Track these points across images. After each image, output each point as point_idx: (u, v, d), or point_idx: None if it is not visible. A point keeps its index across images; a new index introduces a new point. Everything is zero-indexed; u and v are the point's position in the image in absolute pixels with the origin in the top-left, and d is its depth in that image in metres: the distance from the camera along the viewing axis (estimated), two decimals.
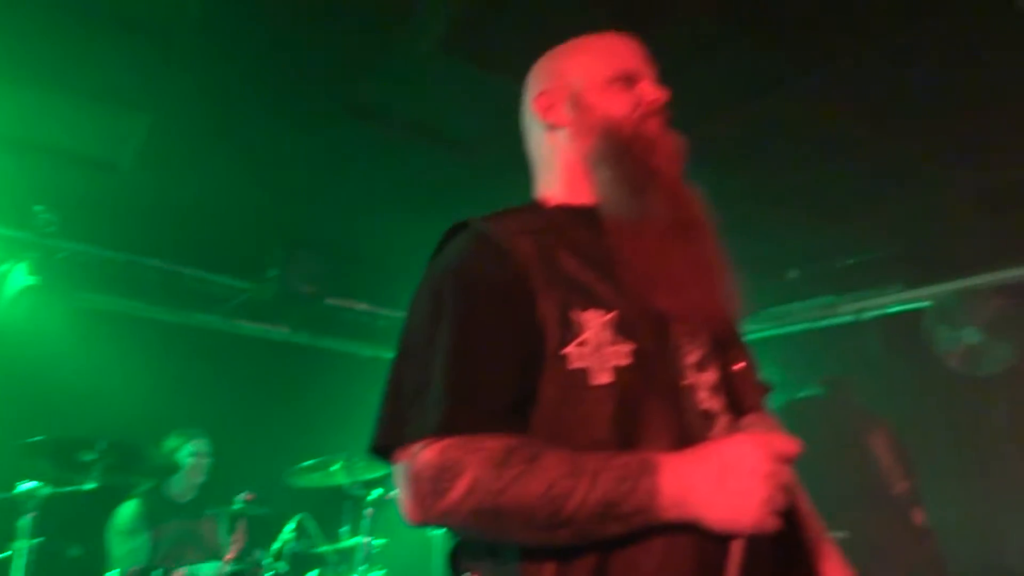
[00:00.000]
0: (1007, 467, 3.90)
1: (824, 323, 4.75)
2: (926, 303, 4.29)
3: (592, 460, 0.86)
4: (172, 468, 3.13)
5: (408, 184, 3.48)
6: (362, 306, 4.74)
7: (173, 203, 3.59)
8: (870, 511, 3.93)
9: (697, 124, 2.82)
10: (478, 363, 0.92)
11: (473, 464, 0.85)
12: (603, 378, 0.92)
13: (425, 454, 0.88)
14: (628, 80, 1.13)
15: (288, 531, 3.18)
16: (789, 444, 0.88)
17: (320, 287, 4.20)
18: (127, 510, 3.17)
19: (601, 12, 2.26)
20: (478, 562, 0.96)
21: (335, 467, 3.39)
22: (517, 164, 3.64)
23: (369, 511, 3.31)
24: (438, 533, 3.71)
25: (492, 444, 0.87)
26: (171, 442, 3.42)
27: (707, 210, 1.10)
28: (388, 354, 4.99)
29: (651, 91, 1.13)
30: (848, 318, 4.67)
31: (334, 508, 3.44)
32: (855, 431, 4.23)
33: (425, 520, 0.89)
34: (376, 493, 3.36)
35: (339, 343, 4.85)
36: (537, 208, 1.16)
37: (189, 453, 3.39)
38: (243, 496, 3.03)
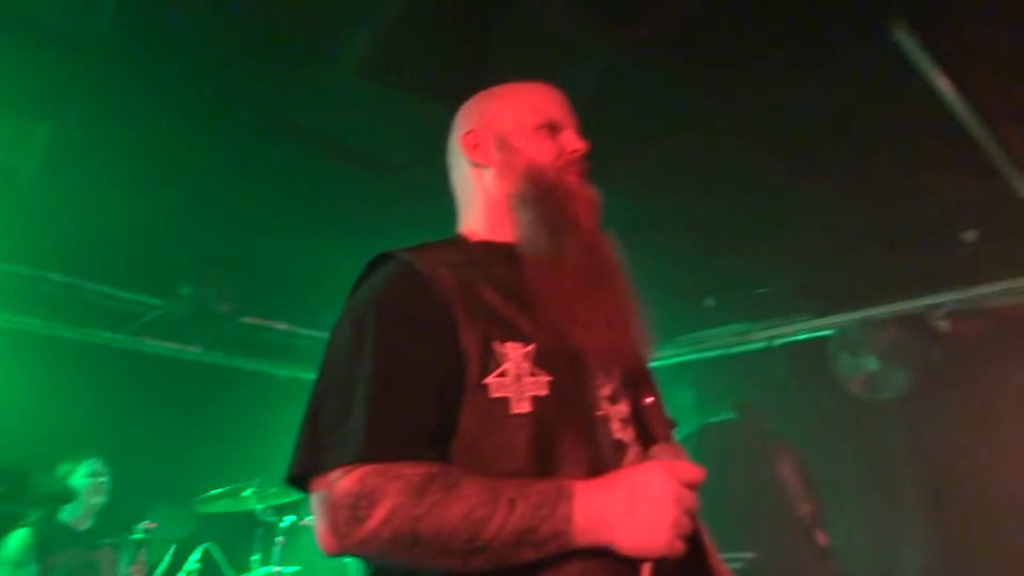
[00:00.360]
0: (905, 489, 4.13)
1: (738, 349, 4.95)
2: (830, 332, 4.53)
3: (510, 487, 0.88)
4: (67, 495, 2.94)
5: (329, 203, 3.43)
6: (281, 325, 4.62)
7: (79, 216, 3.40)
8: (776, 532, 4.09)
9: (620, 156, 2.93)
10: (398, 392, 0.93)
11: (392, 491, 0.86)
12: (522, 407, 0.95)
13: (343, 482, 0.88)
14: (553, 128, 1.20)
15: (192, 561, 3.03)
16: (694, 471, 0.94)
17: (236, 305, 4.07)
18: (16, 539, 2.97)
19: (515, 45, 2.32)
20: None
21: (246, 493, 3.26)
22: (437, 187, 3.65)
23: (281, 539, 3.20)
24: (352, 562, 3.62)
25: (411, 471, 0.87)
26: (63, 467, 3.24)
27: (619, 258, 1.16)
28: (307, 375, 4.89)
29: (573, 142, 1.19)
30: (760, 344, 4.88)
31: (244, 536, 3.30)
32: (764, 454, 4.39)
33: (342, 549, 0.89)
34: (289, 520, 3.25)
35: (255, 363, 4.69)
36: (460, 242, 1.19)
37: (84, 475, 3.22)
38: (145, 524, 2.87)
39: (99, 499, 3.25)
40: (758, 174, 3.18)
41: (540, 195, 1.14)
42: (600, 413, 1.03)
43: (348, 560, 3.52)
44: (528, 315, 1.03)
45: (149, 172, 3.13)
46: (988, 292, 4.07)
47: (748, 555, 3.77)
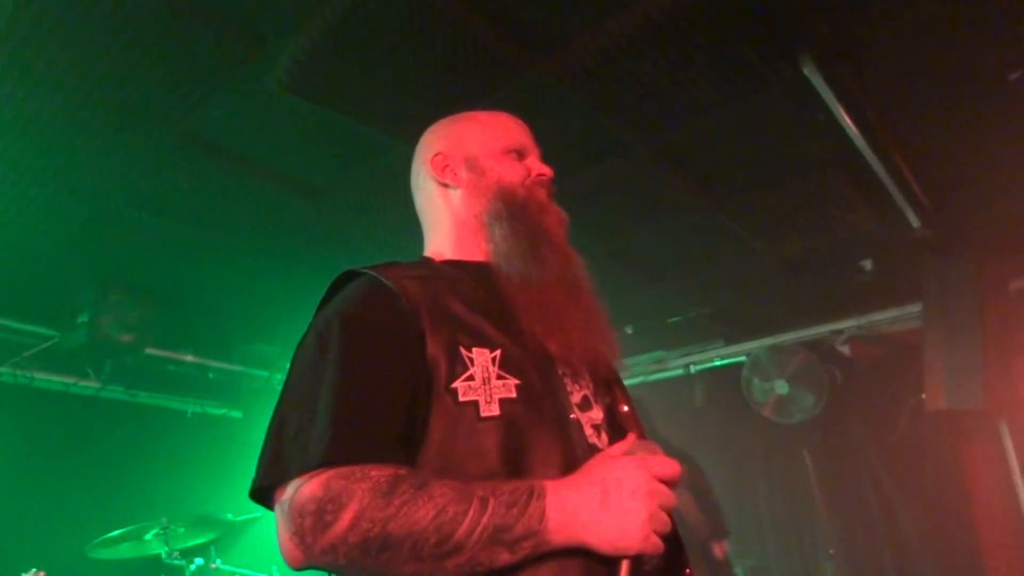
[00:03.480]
0: (816, 509, 4.29)
1: (657, 376, 5.07)
2: (743, 358, 4.72)
3: (481, 487, 0.86)
4: None
5: (245, 227, 3.26)
6: (188, 357, 4.36)
7: None
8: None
9: None
10: (363, 397, 0.91)
11: (359, 493, 0.82)
12: (491, 410, 0.94)
13: (307, 487, 0.84)
14: (519, 153, 1.25)
15: None
16: (669, 466, 0.93)
17: (139, 335, 3.80)
18: None
19: (448, 66, 2.32)
20: None
21: (149, 536, 3.02)
22: (361, 209, 3.60)
23: None
24: None
25: (378, 473, 0.85)
26: None
27: (585, 271, 1.20)
28: (217, 410, 4.63)
29: (539, 166, 1.25)
30: (678, 371, 5.01)
31: None
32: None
33: (308, 559, 0.84)
34: (197, 563, 3.02)
35: (160, 398, 4.39)
36: (425, 262, 1.21)
37: None
38: (32, 573, 2.60)
39: None
40: (677, 203, 3.30)
41: (513, 212, 1.17)
42: (572, 416, 1.02)
43: None
44: (494, 324, 1.03)
45: (43, 187, 2.89)
46: (883, 318, 4.36)
47: None
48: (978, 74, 2.46)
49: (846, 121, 2.56)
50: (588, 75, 2.40)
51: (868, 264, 3.86)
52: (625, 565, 0.86)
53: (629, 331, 4.68)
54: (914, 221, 3.28)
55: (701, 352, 4.99)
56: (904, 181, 3.01)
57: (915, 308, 4.08)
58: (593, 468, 0.92)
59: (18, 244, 3.24)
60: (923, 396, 3.64)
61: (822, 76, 2.35)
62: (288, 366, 1.03)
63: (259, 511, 3.55)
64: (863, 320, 4.42)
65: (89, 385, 4.03)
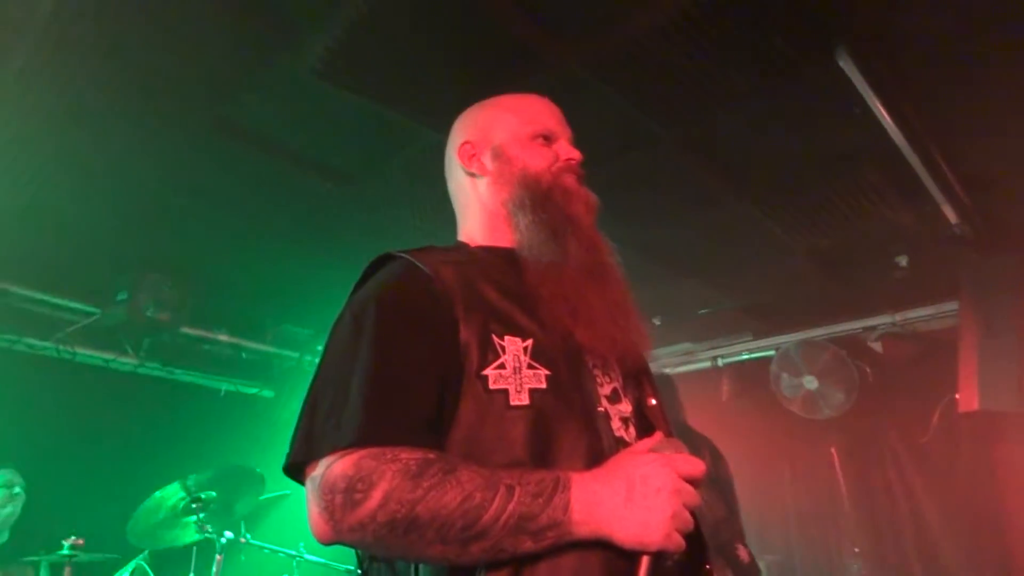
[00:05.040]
0: (842, 506, 4.24)
1: (684, 368, 5.04)
2: (771, 352, 4.66)
3: (507, 475, 0.87)
4: None
5: (278, 211, 3.33)
6: (223, 337, 4.47)
7: (6, 215, 3.22)
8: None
9: None
10: (396, 380, 0.93)
11: (388, 474, 0.84)
12: (520, 399, 0.94)
13: (338, 465, 0.87)
14: (547, 139, 1.23)
15: None
16: (694, 465, 0.93)
17: (176, 314, 3.91)
18: None
19: (479, 55, 2.33)
20: None
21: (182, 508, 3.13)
22: (392, 196, 3.63)
23: (219, 557, 3.07)
24: None
25: (408, 456, 0.86)
26: None
27: (615, 258, 1.19)
28: (249, 389, 4.74)
29: (568, 150, 1.23)
30: (705, 364, 4.98)
31: (179, 553, 3.15)
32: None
33: (337, 535, 0.87)
34: (228, 537, 3.12)
35: (195, 376, 4.51)
36: (460, 247, 1.22)
37: None
38: (72, 540, 2.70)
39: (11, 510, 3.05)
40: (707, 196, 3.27)
41: (537, 199, 1.17)
42: (600, 409, 1.03)
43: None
44: (527, 313, 1.04)
45: (85, 172, 2.98)
46: (918, 316, 4.27)
47: None
48: (1021, 66, 2.39)
49: (882, 113, 2.51)
50: (619, 66, 2.39)
51: (903, 260, 3.78)
52: (645, 561, 0.87)
53: (657, 323, 4.66)
54: (952, 217, 3.20)
55: (729, 346, 4.95)
56: (941, 176, 2.94)
57: (951, 306, 3.99)
58: (619, 463, 0.93)
59: (62, 225, 3.36)
60: (956, 396, 3.57)
61: (857, 67, 2.31)
62: (323, 346, 1.04)
63: (287, 489, 3.66)
64: (897, 317, 4.33)
65: (128, 361, 4.16)
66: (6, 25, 2.20)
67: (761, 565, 4.25)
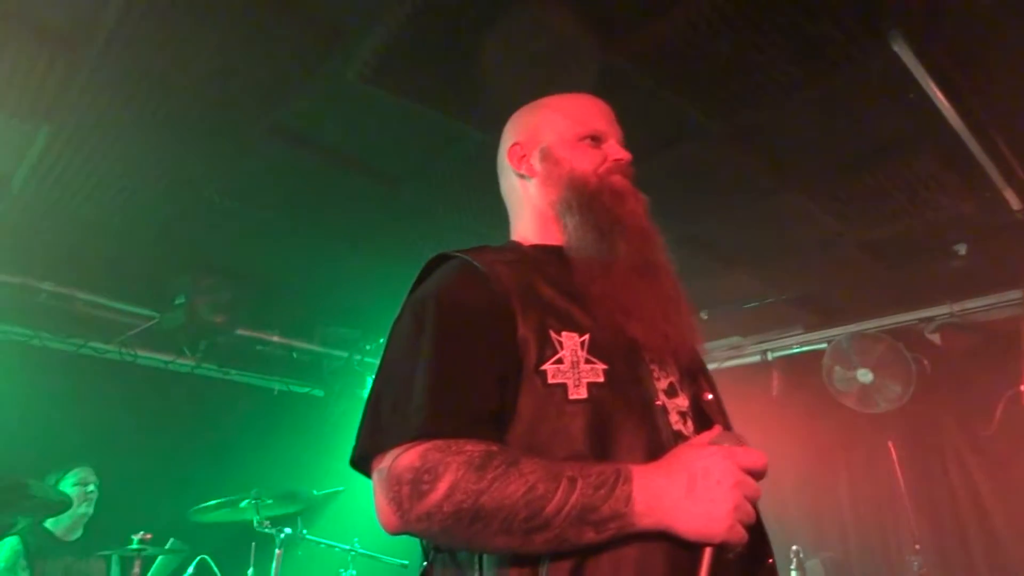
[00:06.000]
0: (901, 501, 4.12)
1: (733, 363, 4.97)
2: (823, 345, 4.57)
3: (569, 467, 0.88)
4: (64, 502, 2.88)
5: (328, 212, 3.40)
6: (275, 338, 4.58)
7: (69, 223, 3.36)
8: None
9: None
10: (458, 374, 0.95)
11: (454, 466, 0.87)
12: (579, 393, 0.96)
13: (405, 457, 0.89)
14: (595, 139, 1.24)
15: (188, 573, 2.98)
16: (756, 457, 0.93)
17: (230, 317, 4.03)
18: (5, 548, 2.91)
19: (522, 52, 2.34)
20: None
21: (243, 505, 3.22)
22: (441, 199, 3.65)
23: (278, 552, 3.15)
24: (352, 574, 3.56)
25: (472, 448, 0.88)
26: (52, 476, 3.19)
27: (668, 255, 1.19)
28: (301, 389, 4.85)
29: (616, 151, 1.24)
30: (755, 358, 4.90)
31: (239, 548, 3.25)
32: None
33: (404, 525, 0.89)
34: (287, 532, 3.20)
35: (249, 376, 4.64)
36: (514, 246, 1.24)
37: (72, 483, 3.17)
38: (140, 535, 2.81)
39: (86, 509, 3.19)
40: (756, 187, 3.22)
41: (584, 201, 1.18)
42: (658, 403, 1.03)
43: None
44: (581, 309, 1.05)
45: (144, 180, 3.09)
46: (978, 306, 4.13)
47: None
48: None
49: (938, 97, 2.44)
50: (663, 56, 2.37)
51: (962, 248, 3.66)
52: (708, 552, 0.87)
53: (704, 316, 4.61)
54: (1014, 202, 3.10)
55: (779, 339, 4.86)
56: (1003, 160, 2.84)
57: (1014, 295, 3.85)
58: (679, 456, 0.93)
59: (123, 232, 3.48)
60: (1021, 388, 3.44)
61: (912, 51, 2.25)
62: (384, 344, 1.07)
63: (341, 485, 3.73)
64: (956, 307, 4.20)
65: (186, 363, 4.30)
66: (67, 39, 2.30)
67: (816, 562, 4.18)
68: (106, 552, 2.98)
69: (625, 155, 1.24)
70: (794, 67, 2.40)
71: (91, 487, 3.22)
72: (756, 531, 0.95)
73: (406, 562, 3.37)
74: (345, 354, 4.84)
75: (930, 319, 4.29)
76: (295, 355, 4.69)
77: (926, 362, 4.26)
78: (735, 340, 5.01)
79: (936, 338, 4.38)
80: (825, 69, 2.40)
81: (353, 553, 3.45)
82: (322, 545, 3.38)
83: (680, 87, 2.53)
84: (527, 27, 2.26)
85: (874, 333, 4.35)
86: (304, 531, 3.31)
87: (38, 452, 3.23)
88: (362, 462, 0.97)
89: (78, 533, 3.18)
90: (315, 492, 3.63)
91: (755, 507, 0.92)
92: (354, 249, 3.72)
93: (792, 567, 3.72)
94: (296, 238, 3.65)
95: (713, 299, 4.47)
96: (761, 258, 3.99)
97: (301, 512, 3.42)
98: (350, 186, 3.16)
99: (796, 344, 4.77)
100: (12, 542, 2.93)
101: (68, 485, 3.17)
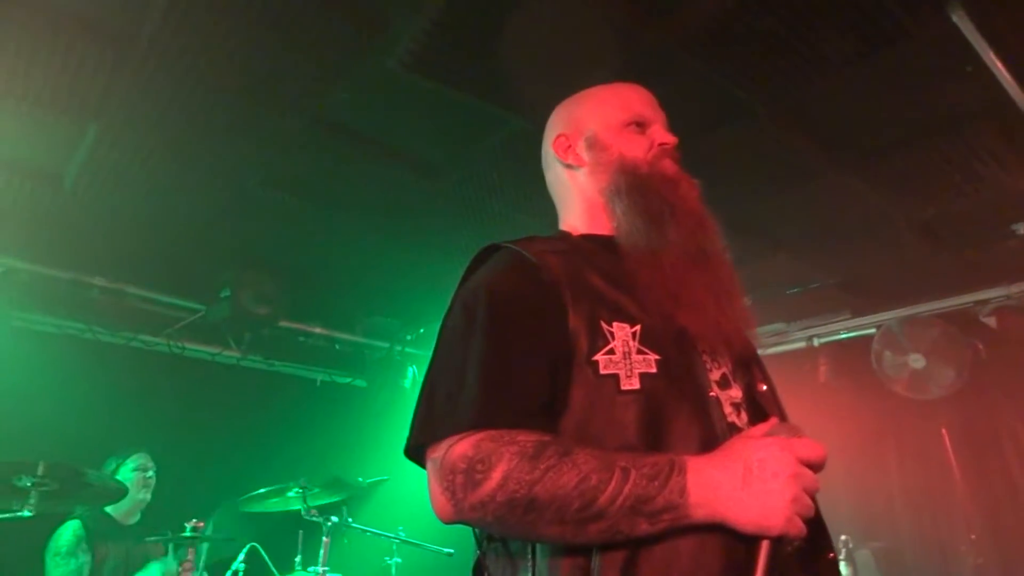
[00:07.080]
0: (954, 489, 4.03)
1: (777, 349, 4.87)
2: (872, 330, 4.44)
3: (622, 458, 0.87)
4: (120, 490, 2.96)
5: (369, 204, 3.41)
6: (317, 329, 4.63)
7: (119, 219, 3.44)
8: None
9: None
10: (510, 365, 0.95)
11: (507, 456, 0.86)
12: (631, 384, 0.95)
13: (459, 447, 0.89)
14: (641, 125, 1.24)
15: (239, 560, 3.04)
16: (815, 449, 0.90)
17: (274, 309, 4.09)
18: (67, 531, 3.01)
19: (562, 36, 2.30)
20: (503, 572, 0.96)
21: (291, 493, 3.27)
22: (479, 185, 3.64)
23: (325, 540, 3.20)
24: (397, 562, 3.60)
25: (525, 438, 0.88)
26: (112, 462, 3.28)
27: (721, 240, 1.17)
28: (343, 379, 4.91)
29: (663, 135, 1.23)
30: (800, 344, 4.80)
31: (286, 537, 3.30)
32: None
33: (458, 514, 0.89)
34: (334, 520, 3.24)
35: (292, 367, 4.71)
36: (563, 236, 1.23)
37: (131, 469, 3.26)
38: (192, 523, 2.88)
39: (145, 495, 3.27)
40: (803, 168, 3.13)
41: (634, 186, 1.17)
42: (712, 395, 1.01)
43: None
44: (633, 299, 1.04)
45: (190, 174, 3.14)
46: None
47: None
48: None
49: (999, 70, 2.34)
50: (708, 35, 2.31)
51: (1021, 228, 3.52)
52: (766, 545, 0.85)
53: (748, 301, 4.52)
54: None
55: (825, 324, 4.74)
56: None
57: None
58: (735, 447, 0.91)
59: (169, 226, 3.56)
60: None
61: (973, 22, 2.15)
62: (438, 332, 1.07)
63: (386, 474, 3.77)
64: (1013, 289, 4.04)
65: (231, 355, 4.39)
66: (115, 37, 2.34)
67: (867, 552, 4.10)
68: (162, 537, 3.05)
69: (671, 139, 1.23)
70: (845, 42, 2.32)
71: (150, 473, 3.31)
72: (815, 524, 0.92)
73: (451, 551, 3.39)
74: (386, 344, 4.88)
75: (985, 301, 4.13)
76: (337, 346, 4.75)
77: (981, 346, 4.11)
78: (779, 327, 4.91)
79: (991, 321, 4.23)
80: (879, 43, 2.31)
81: (398, 541, 3.49)
82: (368, 533, 3.42)
83: (725, 67, 2.47)
84: (568, 11, 2.22)
85: (926, 317, 4.22)
86: (350, 519, 3.34)
87: (94, 442, 3.33)
88: (416, 452, 0.98)
89: (136, 518, 3.27)
90: (361, 480, 3.67)
91: (814, 500, 0.90)
92: (394, 240, 3.74)
93: (841, 557, 3.65)
94: (337, 229, 3.68)
95: (757, 284, 4.37)
96: (808, 241, 3.89)
97: (347, 501, 3.47)
98: (391, 176, 3.16)
99: (844, 330, 4.65)
100: (74, 526, 3.02)
101: (128, 471, 3.26)
